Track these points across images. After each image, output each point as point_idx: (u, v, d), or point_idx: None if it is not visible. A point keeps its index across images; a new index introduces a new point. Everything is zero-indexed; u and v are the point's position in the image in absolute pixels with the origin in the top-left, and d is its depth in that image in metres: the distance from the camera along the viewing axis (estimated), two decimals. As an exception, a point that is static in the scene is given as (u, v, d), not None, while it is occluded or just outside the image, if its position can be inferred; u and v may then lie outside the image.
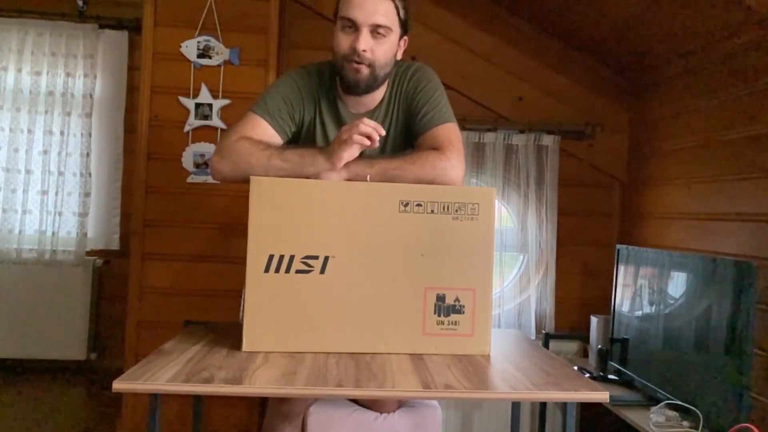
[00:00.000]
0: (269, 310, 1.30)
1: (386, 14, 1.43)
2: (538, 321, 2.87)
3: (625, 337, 2.42)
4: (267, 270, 1.29)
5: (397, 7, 1.45)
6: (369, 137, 1.31)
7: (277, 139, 1.48)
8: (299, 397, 1.53)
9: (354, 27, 1.42)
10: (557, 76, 2.91)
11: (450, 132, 1.47)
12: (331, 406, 1.67)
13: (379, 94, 1.55)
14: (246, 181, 1.30)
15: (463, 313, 1.34)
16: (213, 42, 2.51)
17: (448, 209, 1.33)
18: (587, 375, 2.41)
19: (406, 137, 1.56)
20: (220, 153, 1.41)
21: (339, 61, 1.46)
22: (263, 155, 1.37)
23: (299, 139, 1.57)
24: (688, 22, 2.20)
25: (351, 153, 1.34)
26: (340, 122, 1.53)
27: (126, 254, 2.63)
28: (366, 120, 1.33)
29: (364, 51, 1.41)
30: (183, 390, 1.09)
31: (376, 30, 1.42)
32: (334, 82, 1.54)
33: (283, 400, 1.59)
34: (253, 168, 1.35)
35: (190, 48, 2.50)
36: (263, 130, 1.46)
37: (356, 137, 1.31)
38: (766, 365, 1.92)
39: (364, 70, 1.43)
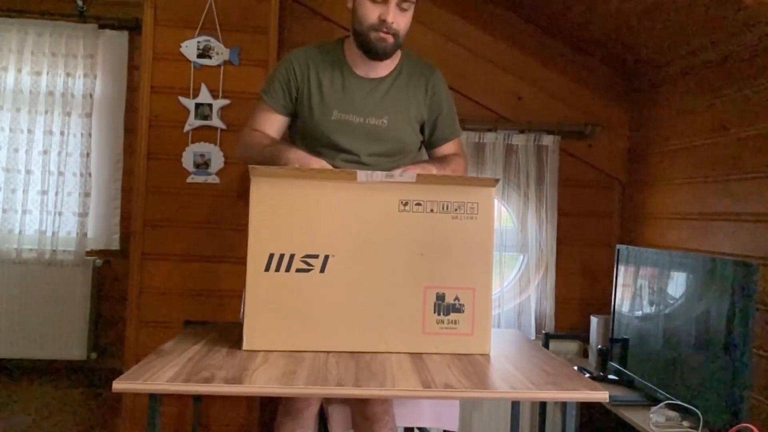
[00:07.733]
0: (269, 309, 1.30)
1: None
2: (538, 321, 2.86)
3: (625, 337, 2.41)
4: (267, 269, 1.29)
5: None
6: None
7: (280, 117, 1.68)
8: (299, 396, 1.53)
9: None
10: (557, 76, 2.91)
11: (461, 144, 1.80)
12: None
13: (389, 65, 1.66)
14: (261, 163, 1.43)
15: (463, 312, 1.34)
16: (213, 42, 2.51)
17: (447, 208, 1.34)
18: (587, 375, 2.41)
19: (412, 115, 1.69)
20: (238, 144, 1.69)
21: (365, 29, 1.56)
22: (258, 147, 1.58)
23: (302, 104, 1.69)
24: (688, 22, 2.20)
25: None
26: (342, 83, 1.64)
27: (126, 254, 2.64)
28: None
29: (392, 22, 1.54)
30: (183, 390, 1.09)
31: (401, 3, 1.55)
32: (342, 49, 1.67)
33: (287, 397, 1.61)
34: (254, 158, 1.51)
35: (190, 48, 2.50)
36: (268, 114, 1.68)
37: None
38: (766, 365, 1.92)
39: (390, 39, 1.56)
